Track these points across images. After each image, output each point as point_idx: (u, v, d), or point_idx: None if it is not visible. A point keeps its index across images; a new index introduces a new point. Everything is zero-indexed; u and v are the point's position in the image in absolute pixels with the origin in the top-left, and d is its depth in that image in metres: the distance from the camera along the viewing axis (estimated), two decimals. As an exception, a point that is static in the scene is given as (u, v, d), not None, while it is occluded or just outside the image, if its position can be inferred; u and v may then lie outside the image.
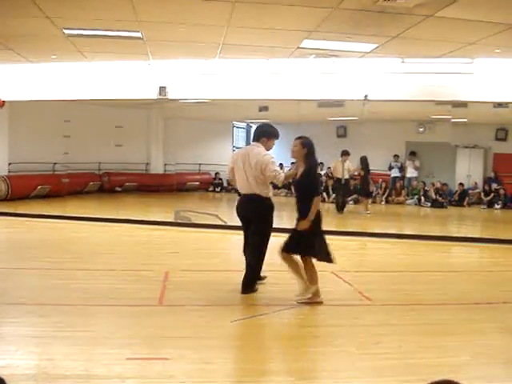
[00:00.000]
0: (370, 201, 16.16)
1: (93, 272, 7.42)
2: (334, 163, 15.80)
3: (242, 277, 6.46)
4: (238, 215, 6.64)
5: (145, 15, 7.82)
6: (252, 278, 6.50)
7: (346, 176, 15.29)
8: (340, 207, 15.40)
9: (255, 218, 6.42)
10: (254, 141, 6.66)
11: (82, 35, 9.04)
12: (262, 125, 6.97)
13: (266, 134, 6.63)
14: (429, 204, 18.22)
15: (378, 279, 7.58)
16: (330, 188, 19.05)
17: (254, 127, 24.61)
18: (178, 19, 8.06)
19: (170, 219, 12.34)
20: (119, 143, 19.81)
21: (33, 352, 4.46)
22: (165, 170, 21.61)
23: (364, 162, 15.61)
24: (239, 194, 6.74)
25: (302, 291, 6.08)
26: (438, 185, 18.57)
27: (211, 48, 9.96)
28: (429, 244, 10.69)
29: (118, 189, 19.80)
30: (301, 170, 6.20)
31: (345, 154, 15.18)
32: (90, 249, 9.29)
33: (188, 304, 5.99)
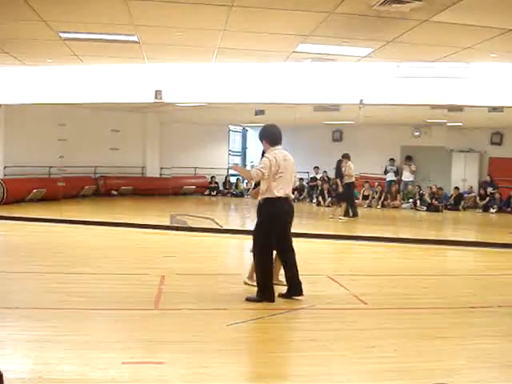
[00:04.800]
0: (340, 207, 15.34)
1: (88, 276, 7.40)
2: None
3: (296, 279, 6.43)
4: (283, 220, 6.44)
5: (141, 19, 7.83)
6: None
7: (347, 180, 15.16)
8: (354, 211, 15.21)
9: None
10: (279, 144, 6.49)
11: (77, 39, 9.04)
12: (276, 126, 6.68)
13: None
14: (424, 208, 18.26)
15: (374, 283, 7.59)
16: (325, 192, 19.07)
17: (249, 131, 24.66)
18: (174, 23, 8.07)
19: (166, 223, 12.32)
20: (115, 147, 19.79)
21: (28, 356, 4.45)
22: (161, 174, 21.60)
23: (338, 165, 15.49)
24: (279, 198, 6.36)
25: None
26: (434, 189, 18.61)
27: (207, 52, 9.97)
28: (424, 248, 10.69)
29: (114, 192, 19.77)
30: None
31: (345, 157, 15.19)
32: (86, 253, 9.27)
33: (184, 308, 5.98)
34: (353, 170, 15.19)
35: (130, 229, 11.95)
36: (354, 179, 15.33)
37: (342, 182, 15.06)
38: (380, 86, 12.24)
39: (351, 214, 15.14)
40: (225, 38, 8.81)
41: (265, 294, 6.25)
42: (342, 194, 15.22)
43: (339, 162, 15.20)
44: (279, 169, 6.28)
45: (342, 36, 8.44)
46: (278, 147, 6.43)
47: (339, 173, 15.18)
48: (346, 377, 4.27)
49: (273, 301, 6.23)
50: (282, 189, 6.29)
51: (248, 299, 6.27)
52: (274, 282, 6.53)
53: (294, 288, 6.40)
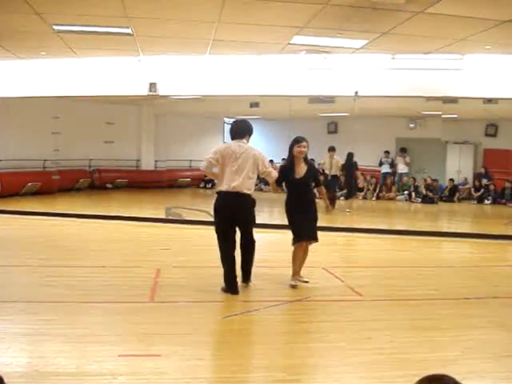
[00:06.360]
0: (351, 200, 15.65)
1: (84, 269, 7.39)
2: (323, 159, 15.78)
3: (240, 272, 6.52)
4: (225, 214, 6.36)
5: (134, 11, 7.78)
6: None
7: (334, 172, 15.25)
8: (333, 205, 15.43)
9: (247, 215, 6.43)
10: (238, 138, 6.48)
11: (71, 31, 8.98)
12: (244, 121, 6.75)
13: (250, 131, 6.58)
14: (419, 200, 18.30)
15: (369, 275, 7.61)
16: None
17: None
18: (168, 15, 8.02)
19: (161, 216, 12.32)
20: (110, 140, 19.72)
21: (24, 350, 4.45)
22: (156, 167, 21.56)
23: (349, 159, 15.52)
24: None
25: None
26: (429, 180, 18.64)
27: (202, 44, 9.93)
28: (419, 239, 10.73)
29: (109, 185, 19.72)
30: (303, 166, 6.92)
31: (331, 149, 15.20)
32: (81, 246, 9.26)
33: (180, 301, 5.99)
34: (328, 163, 15.41)
35: (125, 222, 11.93)
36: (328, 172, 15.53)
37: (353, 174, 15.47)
38: (375, 78, 12.22)
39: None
40: (219, 30, 8.77)
41: (227, 286, 6.34)
42: (351, 187, 15.69)
43: (351, 156, 15.26)
44: (220, 161, 6.32)
45: (337, 28, 8.41)
46: (235, 141, 6.49)
47: (352, 166, 15.37)
48: (342, 368, 4.28)
49: (235, 293, 6.26)
50: (224, 182, 6.31)
51: (222, 289, 6.35)
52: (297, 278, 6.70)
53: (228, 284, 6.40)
